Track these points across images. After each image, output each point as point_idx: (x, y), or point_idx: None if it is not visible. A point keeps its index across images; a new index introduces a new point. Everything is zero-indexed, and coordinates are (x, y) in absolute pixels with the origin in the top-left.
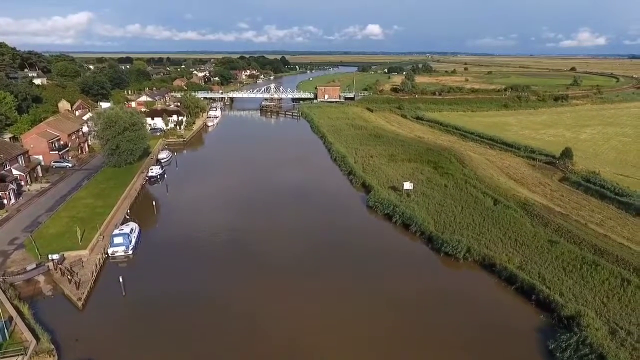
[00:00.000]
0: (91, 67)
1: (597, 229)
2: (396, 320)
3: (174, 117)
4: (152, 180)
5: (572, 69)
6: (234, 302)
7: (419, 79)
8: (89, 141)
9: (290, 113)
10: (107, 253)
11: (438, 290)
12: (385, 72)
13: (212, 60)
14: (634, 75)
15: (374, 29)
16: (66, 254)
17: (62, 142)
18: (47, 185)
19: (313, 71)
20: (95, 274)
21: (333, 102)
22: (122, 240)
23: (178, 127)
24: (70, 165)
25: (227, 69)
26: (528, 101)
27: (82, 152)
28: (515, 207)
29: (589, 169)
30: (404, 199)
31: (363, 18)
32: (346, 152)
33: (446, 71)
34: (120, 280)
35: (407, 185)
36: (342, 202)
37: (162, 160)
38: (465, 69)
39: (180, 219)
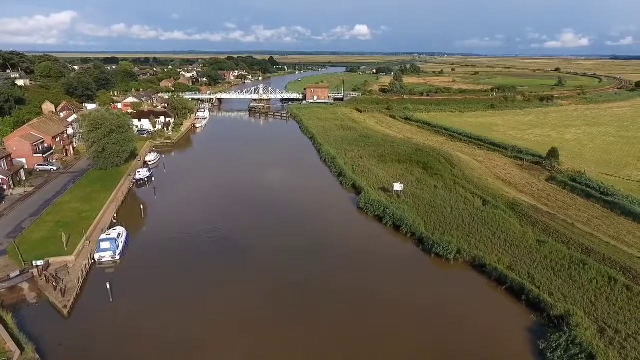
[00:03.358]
0: (76, 67)
1: (583, 227)
2: (387, 321)
3: (162, 119)
4: (139, 183)
5: (557, 69)
6: (224, 306)
7: (407, 80)
8: (74, 144)
9: (280, 114)
10: (93, 258)
11: (429, 292)
12: (373, 73)
13: (199, 60)
14: (617, 76)
15: (361, 29)
16: (51, 260)
17: (46, 145)
18: (30, 189)
19: (302, 72)
20: (81, 280)
21: (322, 103)
22: (109, 245)
23: (166, 129)
24: (54, 168)
25: (215, 70)
26: (514, 101)
27: (67, 154)
28: (503, 208)
29: (575, 169)
30: (394, 200)
31: (351, 18)
32: (336, 154)
33: (434, 72)
34: (108, 286)
35: (397, 187)
36: (333, 203)
37: (150, 163)
38: (453, 69)
39: (168, 222)
